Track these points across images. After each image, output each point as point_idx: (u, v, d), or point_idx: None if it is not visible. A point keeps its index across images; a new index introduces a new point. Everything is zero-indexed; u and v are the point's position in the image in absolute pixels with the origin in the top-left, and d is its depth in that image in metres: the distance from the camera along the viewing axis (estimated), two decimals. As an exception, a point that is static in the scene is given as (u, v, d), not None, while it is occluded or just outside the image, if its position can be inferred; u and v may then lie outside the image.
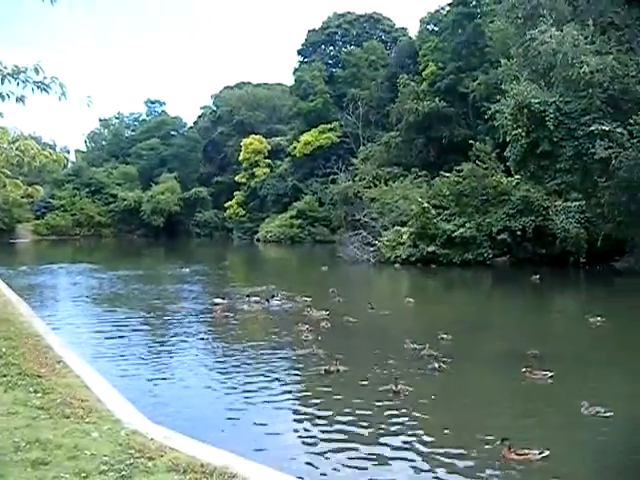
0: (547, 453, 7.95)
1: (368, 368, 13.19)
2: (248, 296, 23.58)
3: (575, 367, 13.35)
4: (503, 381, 12.76)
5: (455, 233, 37.36)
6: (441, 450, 8.62)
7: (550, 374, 12.06)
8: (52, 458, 6.06)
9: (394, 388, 11.32)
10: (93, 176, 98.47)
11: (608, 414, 9.55)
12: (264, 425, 9.88)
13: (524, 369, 12.33)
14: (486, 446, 8.53)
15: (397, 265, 38.74)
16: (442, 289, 32.22)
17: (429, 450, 8.72)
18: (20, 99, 7.87)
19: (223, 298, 22.86)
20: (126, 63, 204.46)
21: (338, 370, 12.81)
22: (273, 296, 22.91)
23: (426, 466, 8.24)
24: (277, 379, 12.80)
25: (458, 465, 8.18)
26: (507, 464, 8.01)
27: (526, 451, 8.03)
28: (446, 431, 9.37)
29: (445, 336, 16.05)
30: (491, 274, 35.67)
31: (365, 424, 9.84)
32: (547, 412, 10.36)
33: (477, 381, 12.91)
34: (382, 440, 9.19)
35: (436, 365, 13.09)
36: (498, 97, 39.51)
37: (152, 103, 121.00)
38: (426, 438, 9.16)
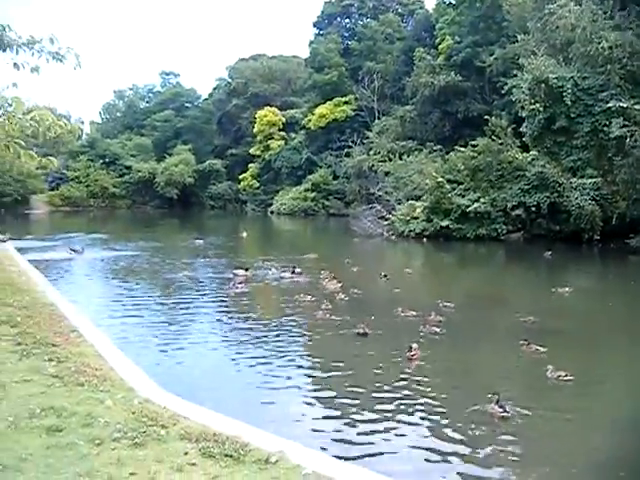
0: (509, 415, 9.02)
1: (382, 335, 13.71)
2: (266, 268, 23.84)
3: (566, 339, 14.06)
4: (501, 351, 13.31)
5: (469, 208, 37.48)
6: (442, 409, 9.43)
7: (543, 349, 12.52)
8: (66, 425, 6.07)
9: (408, 355, 11.82)
10: (107, 147, 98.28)
11: (568, 378, 10.64)
12: (279, 395, 10.08)
13: (521, 342, 12.84)
14: (475, 406, 9.31)
15: (410, 239, 39.06)
16: (453, 263, 32.46)
17: (434, 410, 9.45)
18: (35, 69, 7.88)
19: (243, 269, 22.81)
20: (141, 34, 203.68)
21: (366, 333, 13.51)
22: (293, 268, 22.91)
23: (430, 426, 8.92)
24: (293, 350, 13.04)
25: (452, 424, 8.90)
26: (490, 418, 9.03)
27: (496, 407, 9.09)
28: (446, 394, 10.16)
29: (449, 304, 16.85)
30: (504, 249, 35.85)
31: (381, 390, 10.27)
32: (524, 376, 11.62)
33: (477, 349, 13.37)
34: (394, 405, 9.66)
35: (437, 330, 14.01)
36: (515, 72, 39.21)
37: (167, 75, 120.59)
38: (431, 401, 9.81)
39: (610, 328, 15.69)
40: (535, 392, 10.56)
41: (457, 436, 8.46)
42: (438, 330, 14.00)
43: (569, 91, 34.72)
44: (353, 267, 24.71)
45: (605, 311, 18.01)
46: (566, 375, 10.66)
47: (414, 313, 15.57)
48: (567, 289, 19.79)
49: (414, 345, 11.99)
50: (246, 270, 22.66)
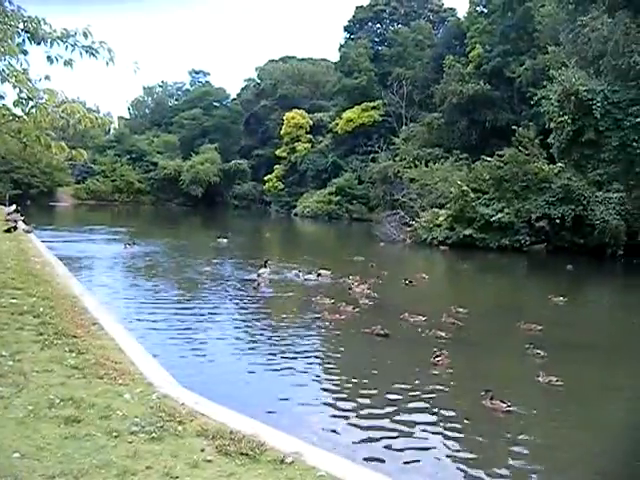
0: (512, 408, 9.80)
1: (398, 338, 14.07)
2: (290, 270, 23.94)
3: (566, 348, 14.43)
4: (505, 355, 13.80)
5: (493, 218, 37.36)
6: (451, 409, 9.92)
7: (544, 354, 13.06)
8: (85, 416, 6.14)
9: (434, 361, 12.03)
10: (135, 143, 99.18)
11: (559, 383, 11.25)
12: (297, 396, 10.19)
13: (527, 345, 13.44)
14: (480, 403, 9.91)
15: (432, 246, 39.06)
16: (473, 272, 32.31)
17: (444, 410, 9.86)
18: (68, 63, 7.82)
19: (264, 265, 22.89)
20: (171, 32, 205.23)
21: (387, 334, 13.91)
22: (318, 273, 22.89)
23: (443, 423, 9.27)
24: (314, 350, 13.23)
25: (461, 422, 9.42)
26: (487, 412, 9.72)
27: (498, 402, 9.81)
28: (452, 395, 10.67)
29: (461, 310, 17.07)
30: (525, 261, 35.73)
31: (394, 392, 10.46)
32: (524, 379, 12.03)
33: (483, 353, 13.77)
34: (407, 407, 9.92)
35: (443, 334, 14.36)
36: (545, 83, 39.15)
37: (196, 73, 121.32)
38: (441, 402, 10.18)
39: (612, 339, 16.12)
40: (531, 393, 11.15)
41: (466, 433, 8.93)
42: (444, 334, 14.28)
43: (599, 104, 34.61)
44: (377, 271, 24.75)
45: (613, 323, 18.57)
46: (557, 380, 11.30)
47: (422, 318, 15.81)
48: (561, 298, 20.18)
49: (444, 352, 12.17)
50: (265, 262, 22.85)
